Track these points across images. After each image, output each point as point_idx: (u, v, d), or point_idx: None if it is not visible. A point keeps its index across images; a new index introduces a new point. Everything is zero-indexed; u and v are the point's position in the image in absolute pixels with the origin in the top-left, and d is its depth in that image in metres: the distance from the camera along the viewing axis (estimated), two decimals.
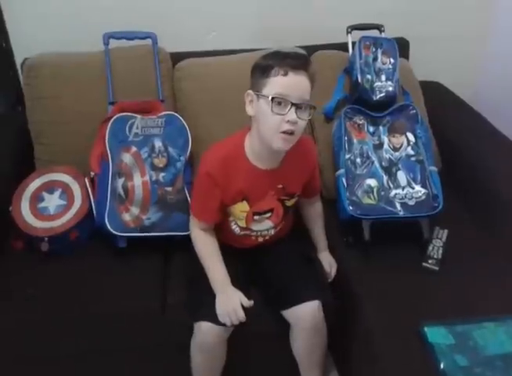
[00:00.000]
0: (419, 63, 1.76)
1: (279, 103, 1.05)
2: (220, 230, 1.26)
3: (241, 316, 1.13)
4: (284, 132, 1.07)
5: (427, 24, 1.83)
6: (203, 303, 1.17)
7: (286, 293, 1.21)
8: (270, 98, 1.05)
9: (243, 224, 1.24)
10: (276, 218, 1.25)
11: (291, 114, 1.05)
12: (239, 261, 1.27)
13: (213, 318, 1.14)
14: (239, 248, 1.29)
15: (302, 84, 1.06)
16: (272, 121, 1.07)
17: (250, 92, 1.11)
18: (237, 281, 1.20)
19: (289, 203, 1.26)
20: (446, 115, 1.72)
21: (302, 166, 1.25)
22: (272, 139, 1.09)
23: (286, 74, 1.05)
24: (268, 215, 1.24)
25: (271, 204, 1.22)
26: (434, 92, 1.79)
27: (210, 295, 1.17)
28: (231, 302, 1.14)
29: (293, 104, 1.05)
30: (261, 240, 1.29)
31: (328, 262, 1.35)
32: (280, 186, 1.21)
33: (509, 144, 1.55)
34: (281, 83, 1.05)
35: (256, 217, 1.23)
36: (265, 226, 1.26)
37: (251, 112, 1.12)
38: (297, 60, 1.07)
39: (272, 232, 1.28)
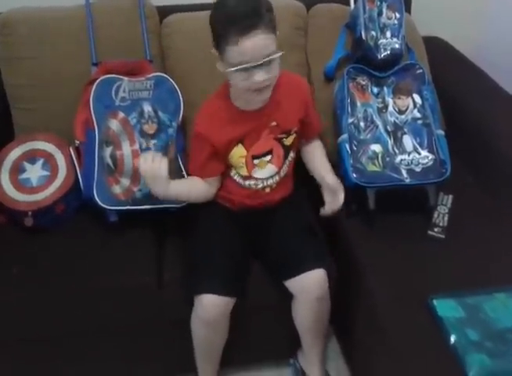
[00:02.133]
0: (419, 18, 1.67)
1: (246, 69, 1.02)
2: (227, 191, 1.25)
3: (144, 169, 1.12)
4: (256, 90, 1.07)
5: None
6: (203, 275, 1.14)
7: (289, 262, 1.16)
8: (233, 69, 1.02)
9: (244, 172, 1.20)
10: (278, 160, 1.21)
11: (259, 76, 1.03)
12: (241, 230, 1.22)
13: (215, 290, 1.11)
14: (241, 212, 1.25)
15: (260, 44, 1.00)
16: (240, 85, 1.07)
17: (214, 52, 1.07)
18: (238, 251, 1.18)
19: (287, 141, 1.21)
20: (448, 73, 1.65)
21: (293, 100, 1.21)
22: (246, 96, 1.10)
23: (237, 43, 0.99)
24: (269, 157, 1.20)
25: (268, 145, 1.19)
26: (436, 48, 1.70)
27: (210, 266, 1.14)
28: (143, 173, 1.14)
29: (257, 66, 1.02)
30: (268, 190, 1.24)
31: (333, 184, 1.21)
32: (274, 123, 1.17)
33: None
34: (238, 52, 1.00)
35: (256, 161, 1.19)
36: (269, 172, 1.22)
37: (221, 69, 1.08)
38: (245, 20, 0.98)
39: (277, 178, 1.23)
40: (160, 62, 1.47)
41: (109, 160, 1.25)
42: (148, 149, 1.29)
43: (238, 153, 1.18)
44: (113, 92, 1.29)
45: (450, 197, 1.34)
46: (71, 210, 1.30)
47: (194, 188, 1.22)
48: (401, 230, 1.25)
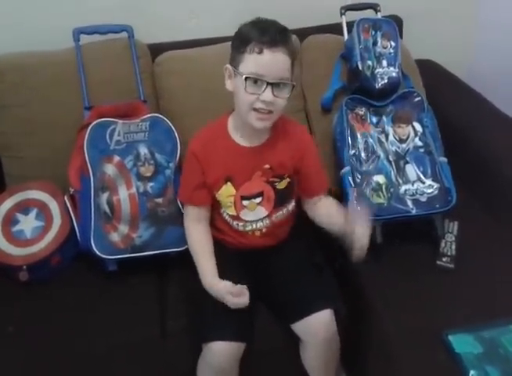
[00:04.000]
0: (411, 41, 1.67)
1: (255, 82, 1.02)
2: (217, 229, 1.21)
3: (233, 303, 1.07)
4: (257, 110, 1.05)
5: (417, 1, 1.75)
6: (211, 322, 1.09)
7: (294, 304, 1.12)
8: (244, 78, 1.01)
9: (232, 211, 1.16)
10: (268, 204, 1.17)
11: (267, 94, 1.02)
12: (244, 272, 1.16)
13: (225, 336, 1.06)
14: (241, 252, 1.19)
15: (279, 62, 1.02)
16: (246, 98, 1.04)
17: (228, 66, 1.07)
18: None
19: (280, 185, 1.17)
20: (443, 95, 1.65)
21: (289, 146, 1.17)
22: (247, 116, 1.07)
23: (261, 52, 1.00)
24: (259, 199, 1.16)
25: (259, 186, 1.15)
26: (429, 71, 1.71)
27: (218, 312, 1.08)
28: (219, 296, 1.09)
29: (268, 84, 1.02)
30: (258, 234, 1.19)
31: (360, 231, 1.10)
32: (267, 166, 1.14)
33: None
34: (256, 62, 1.01)
35: (245, 202, 1.15)
36: (258, 215, 1.17)
37: (230, 87, 1.08)
38: (274, 36, 1.01)
39: (268, 222, 1.18)
40: (154, 101, 1.45)
41: (105, 207, 1.21)
42: (146, 192, 1.25)
43: (226, 191, 1.14)
44: (107, 136, 1.26)
45: (456, 223, 1.32)
46: (67, 260, 1.25)
47: (197, 243, 1.18)
48: (409, 262, 1.23)
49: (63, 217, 1.25)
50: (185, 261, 1.22)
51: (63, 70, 1.38)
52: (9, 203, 1.25)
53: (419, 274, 1.19)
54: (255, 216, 1.17)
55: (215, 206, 1.18)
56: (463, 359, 0.98)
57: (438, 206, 1.26)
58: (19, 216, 1.25)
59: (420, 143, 1.34)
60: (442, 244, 1.26)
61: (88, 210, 1.20)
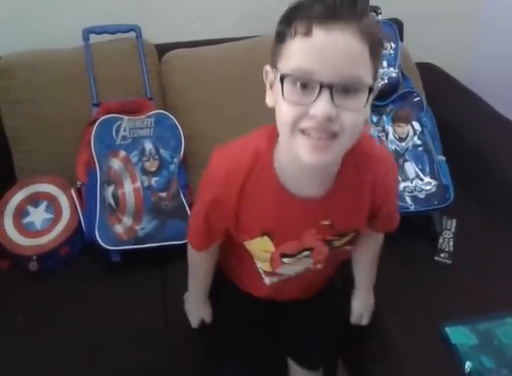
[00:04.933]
0: (411, 45, 1.69)
1: (303, 85, 0.62)
2: (235, 269, 0.97)
3: (194, 325, 1.06)
4: (306, 132, 0.63)
5: (418, 4, 1.76)
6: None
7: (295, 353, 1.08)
8: (278, 77, 0.63)
9: (267, 267, 0.86)
10: (318, 256, 0.85)
11: (320, 104, 0.60)
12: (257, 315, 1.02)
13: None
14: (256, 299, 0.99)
15: (343, 47, 0.60)
16: (285, 114, 0.64)
17: (267, 68, 0.70)
18: (249, 332, 1.02)
19: (338, 243, 0.83)
20: (443, 97, 1.66)
21: (367, 196, 0.80)
22: (292, 143, 0.65)
23: (308, 32, 0.60)
24: (306, 253, 0.84)
25: (309, 244, 0.82)
26: (429, 74, 1.72)
27: (235, 364, 1.02)
28: (192, 315, 1.08)
29: (324, 86, 0.60)
30: (287, 278, 0.92)
31: (363, 304, 1.08)
32: (327, 222, 0.78)
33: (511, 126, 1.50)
34: (300, 49, 0.61)
35: (286, 260, 0.83)
36: (300, 267, 0.87)
37: (270, 101, 0.69)
38: (332, 3, 0.60)
39: (311, 267, 0.89)
40: (160, 99, 1.48)
41: (111, 200, 1.25)
42: (150, 186, 1.29)
43: (261, 245, 0.81)
44: (113, 132, 1.30)
45: (454, 221, 1.34)
46: (75, 252, 1.29)
47: (201, 275, 1.04)
48: (408, 257, 1.24)
49: (71, 210, 1.29)
50: (186, 253, 1.26)
51: (72, 68, 1.41)
52: (19, 196, 1.29)
53: (417, 269, 1.21)
54: (296, 269, 0.88)
55: (238, 245, 0.87)
56: (459, 350, 1.01)
57: (436, 203, 1.28)
58: (30, 208, 1.28)
59: (418, 142, 1.36)
60: (440, 241, 1.29)
61: (94, 202, 1.23)
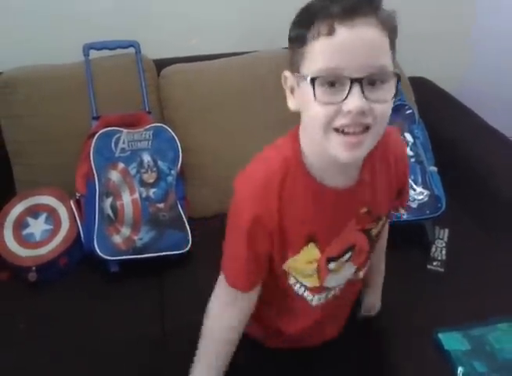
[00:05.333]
0: (404, 59, 1.73)
1: (331, 84, 0.63)
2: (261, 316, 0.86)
3: None
4: (340, 131, 0.65)
5: (410, 20, 1.77)
6: None
7: None
8: (309, 80, 0.63)
9: (314, 282, 0.79)
10: (359, 257, 0.82)
11: (353, 99, 0.62)
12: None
13: None
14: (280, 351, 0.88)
15: (367, 41, 0.62)
16: (319, 114, 0.64)
17: (285, 73, 0.71)
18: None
19: (375, 230, 0.82)
20: (435, 111, 1.70)
21: (391, 173, 0.81)
22: (326, 143, 0.66)
23: (331, 32, 0.62)
24: (348, 255, 0.80)
25: (351, 240, 0.79)
26: (422, 88, 1.76)
27: None
28: None
29: (354, 81, 0.62)
30: (337, 293, 0.87)
31: (375, 299, 1.08)
32: (365, 209, 0.77)
33: (503, 139, 1.54)
34: (326, 50, 0.63)
35: (332, 265, 0.79)
36: (345, 276, 0.83)
37: (293, 105, 0.71)
38: (349, 1, 0.62)
39: (352, 277, 0.86)
40: (158, 112, 1.51)
41: (109, 211, 1.27)
42: (148, 197, 1.31)
43: (308, 256, 0.76)
44: (112, 144, 1.32)
45: (446, 230, 1.37)
46: (74, 262, 1.30)
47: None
48: (401, 265, 1.24)
49: (71, 221, 1.30)
50: (183, 263, 1.27)
51: (72, 83, 1.44)
52: (19, 207, 1.31)
53: (411, 277, 1.23)
54: (342, 278, 0.83)
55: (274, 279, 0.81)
56: (451, 356, 1.03)
57: (428, 212, 1.31)
58: (30, 220, 1.30)
59: (411, 153, 1.40)
60: (433, 250, 1.32)
61: (93, 213, 1.25)
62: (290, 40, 0.69)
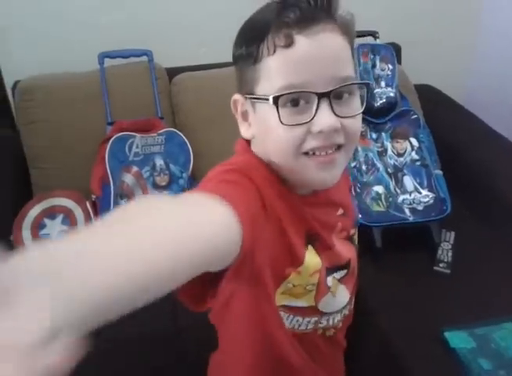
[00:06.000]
0: (409, 67, 1.77)
1: (294, 103, 0.55)
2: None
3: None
4: (310, 153, 0.57)
5: (415, 29, 1.85)
6: None
7: None
8: (271, 100, 0.55)
9: (310, 301, 0.65)
10: (351, 279, 0.71)
11: (323, 117, 0.55)
12: None
13: None
14: None
15: (330, 50, 0.55)
16: (286, 139, 0.56)
17: (236, 97, 0.62)
18: None
19: (355, 238, 0.73)
20: (442, 117, 1.73)
21: (343, 178, 0.70)
22: (299, 169, 0.58)
23: (290, 44, 0.54)
24: (342, 273, 0.68)
25: (345, 251, 0.68)
26: (427, 95, 1.80)
27: None
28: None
29: (321, 96, 0.54)
30: (330, 333, 0.71)
31: None
32: (341, 211, 0.68)
33: (507, 143, 1.57)
34: (285, 64, 0.55)
35: (329, 280, 0.66)
36: (340, 302, 0.70)
37: (248, 133, 0.62)
38: (307, 5, 0.55)
39: (346, 312, 0.72)
40: (170, 118, 1.56)
41: None
42: None
43: (311, 264, 0.63)
44: (126, 148, 1.37)
45: (452, 233, 1.39)
46: None
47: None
48: (408, 267, 1.29)
49: (86, 222, 1.34)
50: None
51: (88, 90, 1.50)
52: (37, 209, 1.35)
53: (417, 278, 1.25)
54: (336, 305, 0.69)
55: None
56: (458, 354, 1.05)
57: (433, 214, 1.34)
58: (47, 221, 1.34)
59: (416, 157, 1.43)
60: (439, 252, 1.33)
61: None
62: (238, 58, 0.59)
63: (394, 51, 1.66)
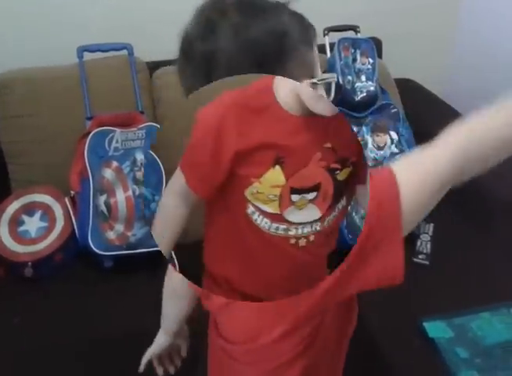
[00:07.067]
0: (390, 62, 1.78)
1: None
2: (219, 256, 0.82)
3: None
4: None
5: (396, 23, 1.86)
6: None
7: None
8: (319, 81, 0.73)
9: (274, 208, 0.76)
10: (324, 202, 0.78)
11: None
12: None
13: None
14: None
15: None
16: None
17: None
18: None
19: (340, 176, 0.79)
20: (422, 111, 1.75)
21: (348, 125, 0.86)
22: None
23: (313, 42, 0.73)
24: (313, 195, 0.78)
25: (316, 176, 0.77)
26: (408, 89, 1.82)
27: None
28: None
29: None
30: (303, 243, 0.80)
31: None
32: (329, 144, 0.76)
33: None
34: (314, 54, 0.73)
35: (294, 197, 0.77)
36: (307, 216, 0.79)
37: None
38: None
39: (318, 228, 0.80)
40: (151, 112, 1.55)
41: (103, 208, 1.30)
42: (141, 194, 1.34)
43: (272, 177, 0.74)
44: (106, 143, 1.36)
45: (431, 225, 1.42)
46: (69, 258, 1.33)
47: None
48: None
49: (65, 218, 1.34)
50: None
51: (67, 84, 1.48)
52: (15, 205, 1.34)
53: None
54: (304, 217, 0.79)
55: (229, 211, 0.77)
56: (436, 343, 1.08)
57: None
58: (25, 217, 1.33)
59: (396, 150, 1.45)
60: (418, 243, 1.36)
61: (87, 210, 1.29)
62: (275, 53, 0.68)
63: (375, 45, 1.67)
